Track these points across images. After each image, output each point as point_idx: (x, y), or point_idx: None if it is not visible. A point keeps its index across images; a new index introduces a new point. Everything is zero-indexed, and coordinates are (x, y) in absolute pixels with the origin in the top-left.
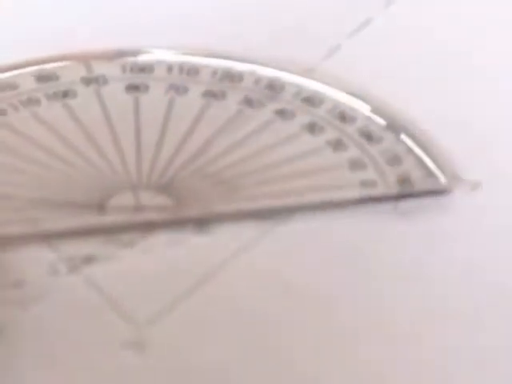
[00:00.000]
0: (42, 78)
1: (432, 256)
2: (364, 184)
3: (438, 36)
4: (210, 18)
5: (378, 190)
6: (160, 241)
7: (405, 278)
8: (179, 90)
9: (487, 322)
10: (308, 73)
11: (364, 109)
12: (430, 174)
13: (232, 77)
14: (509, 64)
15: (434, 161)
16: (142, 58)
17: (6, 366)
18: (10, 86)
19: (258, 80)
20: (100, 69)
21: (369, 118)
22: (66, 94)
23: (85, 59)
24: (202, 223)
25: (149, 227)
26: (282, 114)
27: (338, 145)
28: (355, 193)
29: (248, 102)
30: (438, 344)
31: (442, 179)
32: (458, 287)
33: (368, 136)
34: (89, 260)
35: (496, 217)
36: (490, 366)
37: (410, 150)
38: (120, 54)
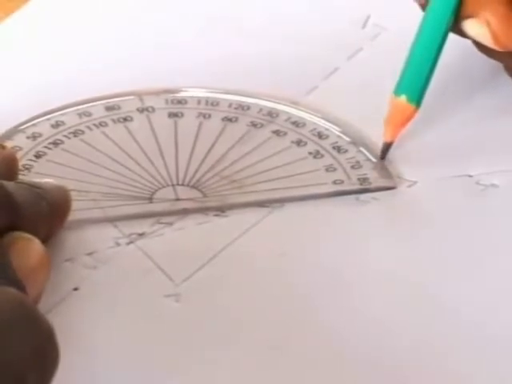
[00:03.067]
0: (109, 108)
1: (381, 229)
2: (335, 182)
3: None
4: (227, 67)
5: (345, 187)
6: (191, 222)
7: (364, 244)
8: (205, 116)
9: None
10: (295, 104)
11: (335, 129)
12: (381, 175)
13: (242, 107)
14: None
15: (384, 166)
16: (180, 94)
17: (82, 314)
18: (86, 114)
19: (260, 109)
20: (150, 101)
21: (338, 136)
22: (125, 119)
23: (139, 95)
24: (221, 210)
25: (183, 212)
26: (277, 133)
27: (316, 155)
28: (329, 188)
29: (253, 124)
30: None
31: (390, 179)
32: (400, 250)
33: (338, 148)
34: (141, 236)
35: (426, 205)
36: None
37: (367, 159)
38: (164, 91)
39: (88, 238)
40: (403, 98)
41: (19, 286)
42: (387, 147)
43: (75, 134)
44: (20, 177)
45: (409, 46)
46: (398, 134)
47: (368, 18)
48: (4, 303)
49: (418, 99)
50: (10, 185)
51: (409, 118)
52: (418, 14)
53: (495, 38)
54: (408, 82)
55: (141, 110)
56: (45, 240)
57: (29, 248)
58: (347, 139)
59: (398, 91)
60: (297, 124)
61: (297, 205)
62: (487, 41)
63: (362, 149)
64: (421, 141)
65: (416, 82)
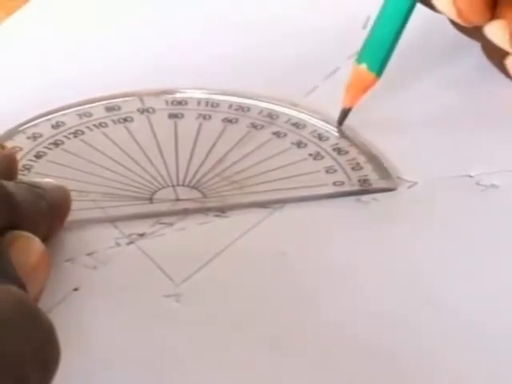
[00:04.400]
0: (109, 108)
1: (381, 230)
2: (335, 183)
3: None
4: (227, 68)
5: (346, 188)
6: (192, 222)
7: (365, 245)
8: (205, 117)
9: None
10: (295, 106)
11: (335, 131)
12: (381, 176)
13: (242, 108)
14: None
15: (385, 168)
16: (180, 95)
17: (82, 314)
18: (86, 114)
19: (260, 111)
20: (150, 102)
21: (338, 138)
22: (126, 120)
23: (139, 95)
24: (221, 210)
25: (184, 213)
26: (277, 134)
27: (316, 156)
28: (329, 189)
29: (254, 126)
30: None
31: (390, 180)
32: (400, 251)
33: (338, 150)
34: (142, 236)
35: (426, 206)
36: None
37: (367, 161)
38: (164, 92)
39: (88, 238)
40: (364, 66)
41: (20, 284)
42: (345, 113)
43: (75, 134)
44: (20, 177)
45: (408, 46)
46: (357, 100)
47: (368, 18)
48: (5, 301)
49: (378, 68)
50: (9, 184)
51: (369, 86)
52: (417, 13)
53: (459, 11)
54: (370, 51)
55: (141, 111)
56: (45, 240)
57: (29, 246)
58: (347, 141)
59: (359, 59)
60: (297, 125)
61: (297, 206)
62: (452, 15)
63: (362, 150)
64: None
65: (378, 52)
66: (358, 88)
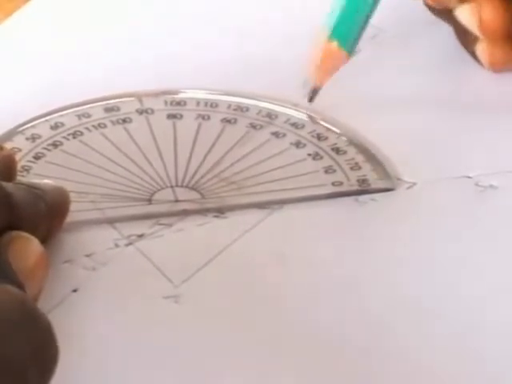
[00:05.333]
0: (108, 109)
1: (380, 231)
2: (334, 184)
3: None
4: (226, 68)
5: (344, 188)
6: (190, 223)
7: (363, 246)
8: (204, 118)
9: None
10: (294, 106)
11: (333, 131)
12: (380, 177)
13: (241, 108)
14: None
15: (383, 168)
16: (179, 96)
17: (81, 315)
18: (85, 115)
19: (259, 111)
20: (149, 103)
21: (337, 138)
22: (124, 121)
23: (138, 96)
24: (220, 211)
25: (183, 214)
26: (276, 134)
27: (316, 156)
28: (328, 190)
29: (253, 126)
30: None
31: (389, 180)
32: (399, 251)
33: (337, 150)
34: (140, 237)
35: (425, 206)
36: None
37: (366, 160)
38: (163, 93)
39: (87, 239)
40: (335, 43)
41: (18, 285)
42: (316, 92)
43: (74, 135)
44: (19, 178)
45: (407, 46)
46: (328, 79)
47: None
48: (4, 302)
49: (350, 46)
50: (8, 185)
51: (340, 64)
52: (416, 15)
53: None
54: (341, 28)
55: (140, 112)
56: (43, 241)
57: (27, 247)
58: (346, 141)
59: (330, 36)
60: (296, 125)
61: (296, 206)
62: None
63: (361, 150)
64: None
65: (349, 29)
66: (329, 66)
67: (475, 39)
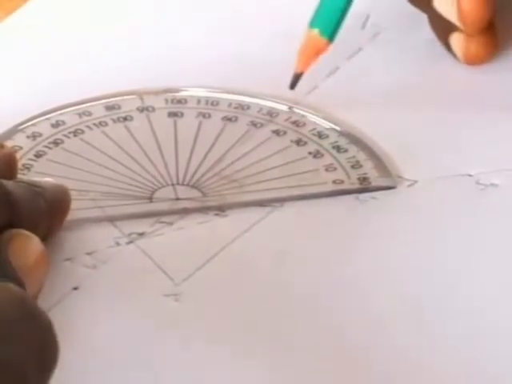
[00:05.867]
0: (109, 107)
1: (381, 229)
2: (335, 182)
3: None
4: (227, 66)
5: (345, 186)
6: (191, 221)
7: (364, 244)
8: (205, 116)
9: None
10: (295, 104)
11: (334, 129)
12: (381, 175)
13: (242, 106)
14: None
15: (384, 166)
16: (180, 94)
17: (82, 313)
18: (86, 113)
19: (260, 109)
20: (150, 101)
21: (338, 136)
22: (125, 119)
23: (139, 94)
24: (221, 209)
25: (183, 212)
26: (277, 132)
27: (316, 154)
28: (329, 188)
29: (253, 124)
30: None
31: (390, 178)
32: (400, 249)
33: (337, 148)
34: (141, 235)
35: (426, 204)
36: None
37: (367, 159)
38: (164, 91)
39: (88, 237)
40: (316, 31)
41: (18, 283)
42: (297, 78)
43: (75, 133)
44: (20, 176)
45: (408, 45)
46: (309, 65)
47: (367, 18)
48: (4, 299)
49: (330, 33)
50: (9, 183)
51: (321, 51)
52: (416, 14)
53: None
54: (322, 16)
55: (141, 110)
56: (44, 239)
57: (27, 245)
58: (347, 139)
59: (312, 24)
60: (297, 123)
61: (297, 204)
62: None
63: (362, 148)
64: (422, 146)
65: (330, 17)
66: (310, 53)
67: (450, 30)
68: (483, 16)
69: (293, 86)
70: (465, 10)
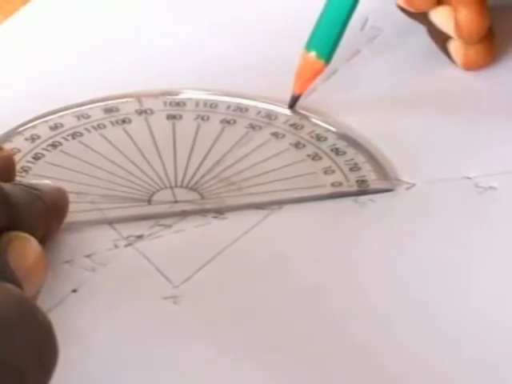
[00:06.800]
0: (108, 110)
1: (379, 231)
2: (333, 184)
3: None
4: (225, 69)
5: (344, 189)
6: (190, 224)
7: (362, 246)
8: (204, 118)
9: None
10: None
11: (333, 132)
12: (379, 177)
13: (241, 109)
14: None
15: (383, 169)
16: (178, 96)
17: (81, 316)
18: (85, 116)
19: (259, 112)
20: (148, 103)
21: (336, 139)
22: (124, 121)
23: (137, 97)
24: (219, 212)
25: (182, 214)
26: (275, 135)
27: (315, 157)
28: (327, 190)
29: (252, 127)
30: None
31: (388, 181)
32: (398, 252)
33: (336, 151)
34: (140, 238)
35: (424, 207)
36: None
37: (365, 161)
38: (163, 93)
39: (86, 240)
40: (313, 54)
41: (17, 284)
42: (295, 99)
43: (74, 136)
44: (18, 178)
45: (407, 47)
46: (307, 87)
47: (366, 20)
48: (3, 300)
49: (327, 56)
50: (7, 186)
51: (317, 73)
52: None
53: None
54: (319, 39)
55: (139, 112)
56: (42, 241)
57: (26, 248)
58: (345, 141)
59: (308, 47)
60: (295, 126)
61: (295, 207)
62: (401, 1)
63: (360, 151)
64: (420, 149)
65: (326, 40)
66: (308, 75)
67: (448, 37)
68: (480, 28)
69: (291, 106)
70: (461, 24)
